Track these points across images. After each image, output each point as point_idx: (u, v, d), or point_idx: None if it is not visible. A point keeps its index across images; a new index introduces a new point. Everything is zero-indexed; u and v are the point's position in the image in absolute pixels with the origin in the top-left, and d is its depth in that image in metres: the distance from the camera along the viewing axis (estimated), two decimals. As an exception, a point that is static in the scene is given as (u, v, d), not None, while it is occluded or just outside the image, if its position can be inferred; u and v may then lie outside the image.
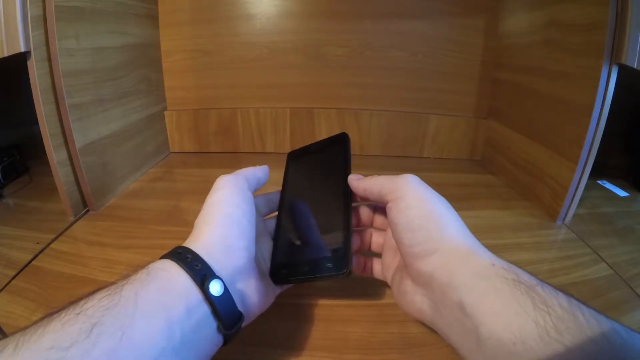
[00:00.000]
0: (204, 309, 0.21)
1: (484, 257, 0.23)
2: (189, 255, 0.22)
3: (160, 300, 0.19)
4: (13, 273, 0.36)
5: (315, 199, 0.34)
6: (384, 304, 0.32)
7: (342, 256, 0.27)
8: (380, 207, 0.32)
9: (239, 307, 0.22)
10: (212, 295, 0.21)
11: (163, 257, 0.23)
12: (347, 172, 0.32)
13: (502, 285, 0.20)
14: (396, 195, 0.26)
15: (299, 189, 0.35)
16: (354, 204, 0.31)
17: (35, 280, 0.35)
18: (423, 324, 0.29)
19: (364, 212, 0.32)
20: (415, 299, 0.25)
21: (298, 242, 0.30)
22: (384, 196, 0.27)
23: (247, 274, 0.25)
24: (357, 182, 0.30)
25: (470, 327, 0.20)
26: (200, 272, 0.21)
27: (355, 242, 0.31)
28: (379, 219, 0.32)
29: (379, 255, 0.32)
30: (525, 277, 0.20)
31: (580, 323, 0.17)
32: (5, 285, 0.34)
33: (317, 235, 0.30)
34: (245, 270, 0.24)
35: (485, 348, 0.19)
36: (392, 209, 0.26)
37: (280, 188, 0.36)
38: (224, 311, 0.21)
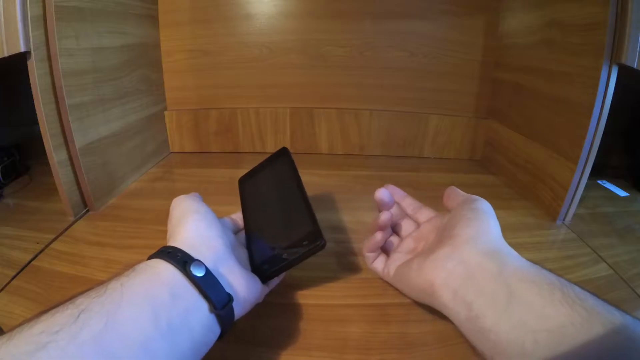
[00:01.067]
0: (191, 293, 0.21)
1: (519, 257, 0.25)
2: (169, 249, 0.24)
3: (145, 290, 0.20)
4: (13, 273, 0.36)
5: (273, 201, 0.36)
6: (384, 304, 0.32)
7: (313, 231, 0.29)
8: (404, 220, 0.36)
9: (228, 290, 0.23)
10: (195, 276, 0.22)
11: (149, 257, 0.24)
12: (296, 173, 0.37)
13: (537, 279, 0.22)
14: (469, 199, 0.31)
15: (258, 200, 0.38)
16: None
17: (35, 280, 0.35)
18: (422, 323, 0.29)
19: (395, 211, 0.35)
20: (449, 265, 0.25)
21: (270, 240, 0.31)
22: (461, 200, 0.31)
23: (227, 259, 0.26)
24: (450, 191, 0.34)
25: (503, 292, 0.21)
26: (182, 259, 0.23)
27: (376, 238, 0.33)
28: (404, 228, 0.35)
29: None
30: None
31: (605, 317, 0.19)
32: (5, 285, 0.34)
33: (285, 227, 0.32)
34: (225, 255, 0.26)
35: (512, 313, 0.20)
36: (461, 204, 0.30)
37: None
38: (211, 291, 0.22)
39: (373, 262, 0.34)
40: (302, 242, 0.28)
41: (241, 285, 0.25)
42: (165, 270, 0.22)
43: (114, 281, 0.20)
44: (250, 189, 0.40)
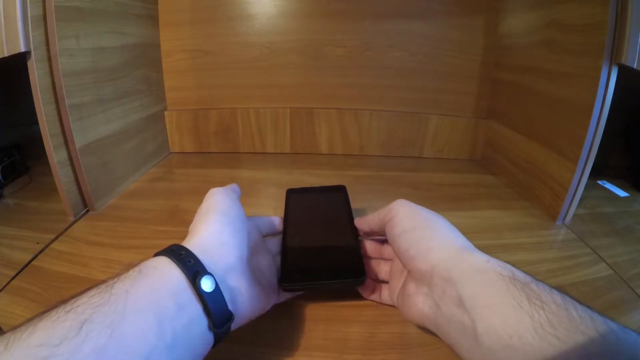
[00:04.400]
0: (195, 306, 0.21)
1: (478, 255, 0.24)
2: (182, 252, 0.22)
3: (151, 298, 0.19)
4: (13, 273, 0.36)
5: (322, 222, 0.38)
6: (384, 303, 0.32)
7: (358, 264, 0.30)
8: (386, 241, 0.34)
9: (229, 306, 0.22)
10: (204, 291, 0.21)
11: (157, 254, 0.23)
12: (349, 207, 0.38)
13: (498, 280, 0.21)
14: (391, 214, 0.30)
15: (305, 215, 0.39)
16: (360, 238, 0.35)
17: (35, 280, 0.35)
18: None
19: (371, 246, 0.35)
20: (418, 301, 0.26)
21: (310, 255, 0.32)
22: (383, 220, 0.30)
23: (238, 272, 0.25)
24: (359, 220, 0.34)
25: (469, 324, 0.21)
26: (193, 268, 0.21)
27: (368, 271, 0.33)
28: (385, 251, 0.34)
29: (386, 283, 0.33)
30: (520, 274, 0.21)
31: (573, 318, 0.18)
32: (5, 285, 0.34)
33: (330, 250, 0.33)
34: (237, 268, 0.25)
35: (482, 343, 0.20)
36: (388, 225, 0.30)
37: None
38: (215, 309, 0.21)
39: (381, 296, 0.32)
40: (345, 272, 0.29)
41: (244, 303, 0.24)
42: (173, 277, 0.21)
43: (118, 284, 0.19)
44: (298, 202, 0.41)
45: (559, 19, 0.49)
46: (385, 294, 0.32)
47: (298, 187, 0.44)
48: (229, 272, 0.24)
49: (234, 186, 0.33)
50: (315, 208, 0.40)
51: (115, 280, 0.20)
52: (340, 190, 0.42)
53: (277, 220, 0.36)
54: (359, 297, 0.33)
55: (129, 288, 0.19)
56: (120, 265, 0.37)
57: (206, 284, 0.21)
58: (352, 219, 0.35)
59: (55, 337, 0.16)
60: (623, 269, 0.39)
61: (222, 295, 0.22)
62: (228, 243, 0.25)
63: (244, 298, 0.24)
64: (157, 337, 0.18)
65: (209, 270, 0.22)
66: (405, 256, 0.27)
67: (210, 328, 0.21)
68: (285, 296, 0.31)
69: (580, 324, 0.17)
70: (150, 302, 0.19)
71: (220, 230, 0.26)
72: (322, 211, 0.40)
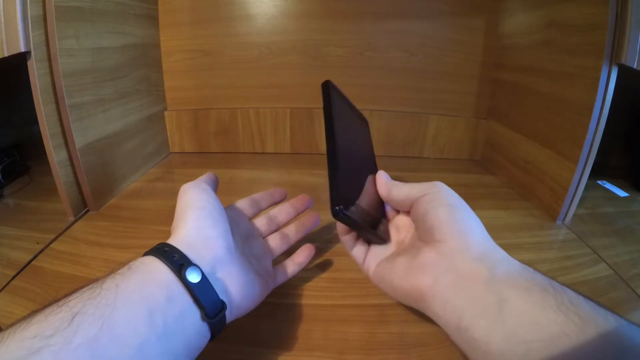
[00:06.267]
0: (186, 297, 0.21)
1: (509, 258, 0.24)
2: (166, 248, 0.23)
3: (141, 290, 0.20)
4: (13, 273, 0.36)
5: (361, 157, 0.33)
6: (384, 304, 0.32)
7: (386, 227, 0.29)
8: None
9: (222, 296, 0.23)
10: (190, 282, 0.21)
11: (145, 254, 0.23)
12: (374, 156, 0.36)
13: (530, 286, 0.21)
14: (432, 190, 0.27)
15: (348, 133, 0.32)
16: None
17: (35, 280, 0.35)
18: (422, 324, 0.29)
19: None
20: (436, 270, 0.24)
21: (358, 189, 0.27)
22: (413, 196, 0.27)
23: (228, 263, 0.25)
24: (386, 188, 0.29)
25: (494, 301, 0.20)
26: (178, 262, 0.22)
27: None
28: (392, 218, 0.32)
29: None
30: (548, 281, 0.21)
31: (592, 304, 0.19)
32: (5, 285, 0.34)
33: (369, 195, 0.29)
34: (225, 259, 0.25)
35: (505, 322, 0.20)
36: (427, 197, 0.26)
37: (262, 190, 0.35)
38: (205, 298, 0.21)
39: (353, 249, 0.30)
40: (379, 230, 0.28)
41: (237, 292, 0.24)
42: (160, 271, 0.21)
43: (109, 280, 0.20)
44: (341, 111, 0.34)
45: (559, 19, 0.49)
46: (360, 254, 0.30)
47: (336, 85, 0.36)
48: (217, 264, 0.24)
49: (206, 177, 0.31)
50: (355, 132, 0.34)
51: (106, 277, 0.20)
52: (366, 125, 0.40)
53: (259, 197, 0.34)
54: (359, 297, 0.33)
55: (119, 282, 0.20)
56: (120, 266, 0.37)
57: (192, 276, 0.21)
58: (376, 166, 0.33)
59: (49, 329, 0.16)
60: (623, 269, 0.39)
61: (211, 285, 0.22)
62: (211, 236, 0.25)
63: (237, 287, 0.24)
64: (147, 327, 0.18)
65: (194, 262, 0.22)
66: (445, 227, 0.24)
67: (203, 319, 0.21)
68: (282, 279, 0.30)
69: (598, 309, 0.19)
70: (140, 294, 0.20)
71: (200, 225, 0.25)
72: (360, 141, 0.35)
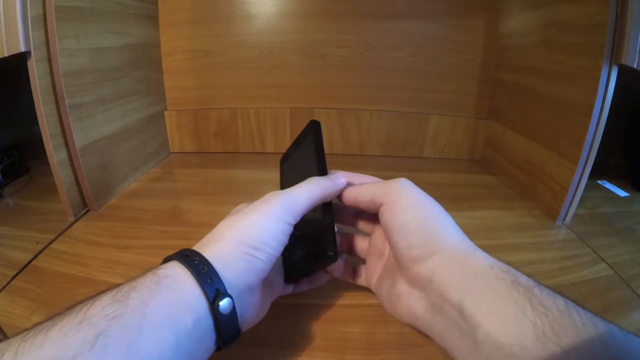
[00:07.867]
0: (209, 323, 0.20)
1: (483, 259, 0.23)
2: (203, 269, 0.21)
3: (169, 313, 0.19)
4: (13, 273, 0.36)
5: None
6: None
7: (329, 242, 0.27)
8: (364, 212, 0.31)
9: (239, 322, 0.22)
10: (221, 313, 0.20)
11: (169, 258, 0.22)
12: (321, 160, 0.32)
13: (500, 287, 0.20)
14: (390, 198, 0.26)
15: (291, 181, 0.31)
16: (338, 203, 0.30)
17: (35, 280, 0.35)
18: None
19: (348, 213, 0.32)
20: (411, 303, 0.25)
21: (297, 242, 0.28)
22: (377, 200, 0.26)
23: (254, 290, 0.24)
24: (348, 191, 0.29)
25: (468, 330, 0.20)
26: (213, 287, 0.20)
27: (341, 245, 0.31)
28: (362, 223, 0.32)
29: (362, 261, 0.32)
30: (523, 279, 0.21)
31: (576, 325, 0.17)
32: (5, 285, 0.34)
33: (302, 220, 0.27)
34: (254, 287, 0.24)
35: (481, 350, 0.19)
36: (386, 211, 0.26)
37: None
38: (227, 328, 0.21)
39: (355, 278, 0.31)
40: (316, 252, 0.27)
41: (252, 316, 0.24)
42: (193, 294, 0.20)
43: (134, 294, 0.18)
44: (285, 174, 0.35)
45: (559, 19, 0.49)
46: (362, 277, 0.31)
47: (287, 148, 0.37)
48: (246, 292, 0.23)
49: (317, 188, 0.27)
50: (295, 175, 0.33)
51: (130, 289, 0.19)
52: (312, 131, 0.35)
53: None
54: (359, 297, 0.33)
55: (148, 301, 0.18)
56: (120, 265, 0.37)
57: (224, 308, 0.20)
58: (324, 169, 0.30)
59: (68, 350, 0.15)
60: (623, 269, 0.39)
61: (236, 317, 0.21)
62: (260, 269, 0.23)
63: (252, 313, 0.24)
64: (173, 354, 0.18)
65: (228, 289, 0.21)
66: (404, 255, 0.24)
67: (217, 343, 0.21)
68: (287, 291, 0.30)
69: (583, 331, 0.17)
70: (168, 316, 0.19)
71: (252, 256, 0.23)
72: (296, 168, 0.34)
